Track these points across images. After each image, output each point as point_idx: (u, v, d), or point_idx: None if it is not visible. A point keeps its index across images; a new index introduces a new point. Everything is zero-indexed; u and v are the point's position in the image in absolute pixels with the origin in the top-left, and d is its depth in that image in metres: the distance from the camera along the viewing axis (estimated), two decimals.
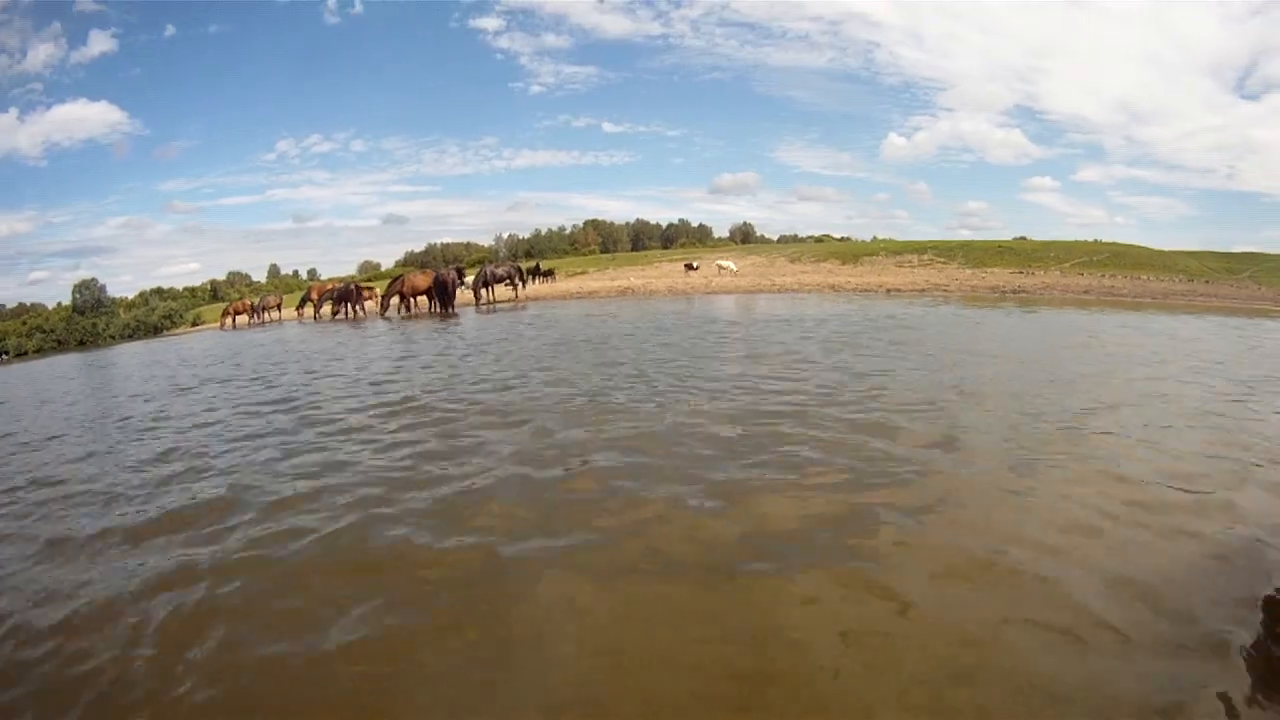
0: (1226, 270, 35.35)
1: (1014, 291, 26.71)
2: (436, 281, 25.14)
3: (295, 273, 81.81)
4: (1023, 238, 51.20)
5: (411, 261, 76.45)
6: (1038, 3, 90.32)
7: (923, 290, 28.11)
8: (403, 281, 26.95)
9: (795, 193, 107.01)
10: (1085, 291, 26.03)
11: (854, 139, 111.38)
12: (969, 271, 38.16)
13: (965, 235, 65.59)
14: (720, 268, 41.77)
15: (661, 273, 47.20)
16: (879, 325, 14.69)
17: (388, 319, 24.32)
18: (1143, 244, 42.65)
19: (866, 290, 29.38)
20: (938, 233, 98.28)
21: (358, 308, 28.74)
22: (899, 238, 62.53)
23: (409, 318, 25.32)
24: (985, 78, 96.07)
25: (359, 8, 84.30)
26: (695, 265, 44.07)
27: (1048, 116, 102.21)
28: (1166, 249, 41.15)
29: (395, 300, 26.78)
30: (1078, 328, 14.70)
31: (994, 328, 14.68)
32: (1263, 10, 75.95)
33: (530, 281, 39.16)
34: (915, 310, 18.93)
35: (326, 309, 29.66)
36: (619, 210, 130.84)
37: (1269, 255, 40.20)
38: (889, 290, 28.82)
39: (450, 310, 24.43)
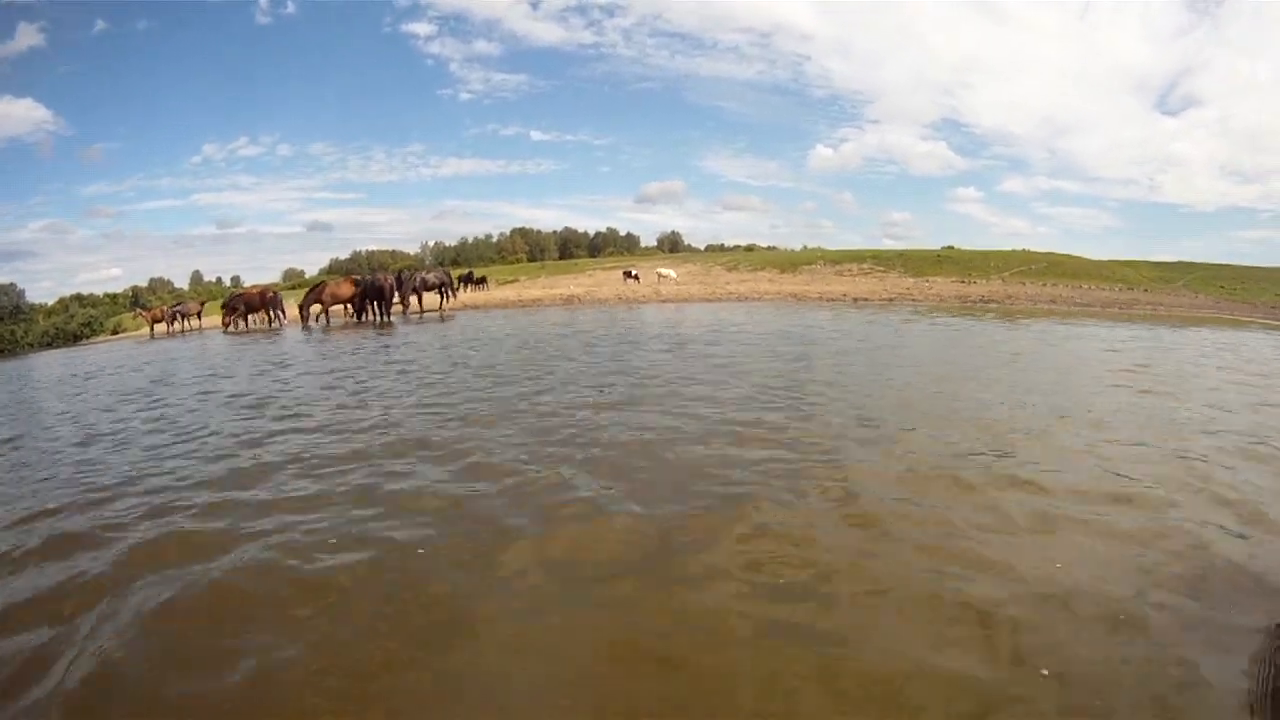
0: (1161, 279, 36.97)
1: (982, 301, 26.51)
2: (372, 287, 22.96)
3: (219, 279, 78.36)
4: (950, 247, 52.64)
5: (337, 269, 74.13)
6: (964, 19, 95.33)
7: (890, 300, 27.53)
8: (323, 289, 24.18)
9: (722, 202, 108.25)
10: (1052, 301, 26.15)
11: (781, 149, 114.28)
12: (911, 280, 38.27)
13: (889, 244, 67.31)
14: (661, 275, 40.62)
15: (597, 281, 45.51)
16: (980, 347, 13.14)
17: (308, 329, 21.60)
18: (1068, 253, 44.38)
19: (832, 299, 28.59)
20: (862, 242, 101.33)
21: (276, 315, 25.80)
22: (828, 246, 63.45)
23: (343, 326, 22.46)
24: (911, 91, 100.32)
25: (291, 8, 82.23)
26: (635, 273, 42.88)
27: (972, 129, 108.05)
28: (1100, 259, 43.07)
29: (316, 309, 24.05)
30: (1137, 344, 13.78)
31: (1092, 347, 13.53)
32: (1187, 31, 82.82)
33: (462, 289, 37.47)
34: (955, 322, 17.87)
35: (247, 317, 26.53)
36: (546, 219, 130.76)
37: (1199, 264, 42.75)
38: (855, 300, 28.13)
39: (388, 319, 22.27)
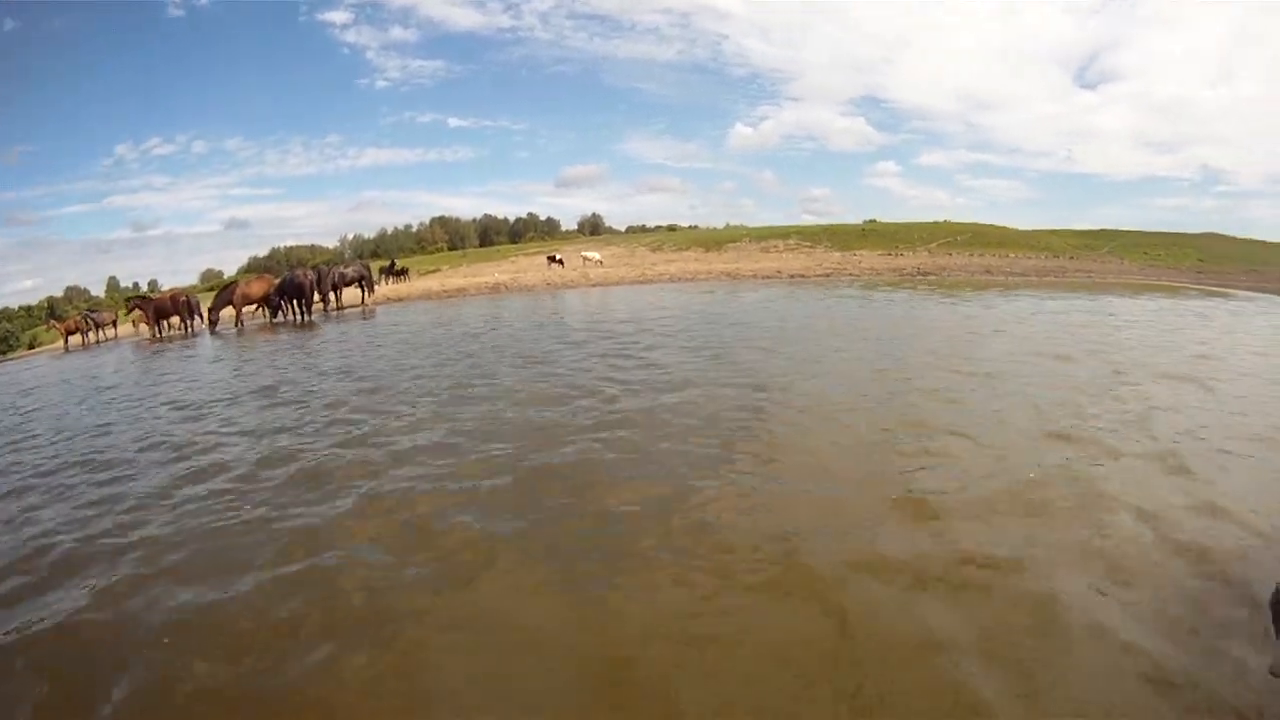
0: (1086, 247, 37.40)
1: (920, 274, 25.59)
2: (291, 284, 21.16)
3: (135, 285, 71.45)
4: (873, 220, 52.09)
5: (255, 267, 69.28)
6: None
7: (828, 275, 26.32)
8: (233, 290, 21.74)
9: (642, 184, 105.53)
10: (987, 271, 25.51)
11: (700, 130, 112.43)
12: (839, 254, 37.49)
13: (809, 220, 66.59)
14: (585, 258, 39.07)
15: (520, 267, 43.06)
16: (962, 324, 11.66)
17: (218, 334, 18.91)
18: (991, 223, 44.66)
19: (767, 277, 27.13)
20: (783, 219, 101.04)
21: (189, 322, 22.80)
22: (749, 224, 62.63)
23: (262, 329, 19.79)
24: (831, 68, 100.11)
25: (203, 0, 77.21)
26: (559, 258, 40.95)
27: (892, 105, 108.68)
28: (1024, 228, 43.49)
29: (228, 312, 21.59)
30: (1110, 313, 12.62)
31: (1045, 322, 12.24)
32: (1105, 6, 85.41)
33: (383, 281, 34.66)
34: (898, 297, 16.44)
35: (161, 324, 23.09)
36: (465, 207, 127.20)
37: (1121, 231, 43.69)
38: (792, 276, 26.76)
39: (308, 318, 20.47)
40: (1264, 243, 44.05)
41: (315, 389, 8.04)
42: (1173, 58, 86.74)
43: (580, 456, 4.82)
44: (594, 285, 28.87)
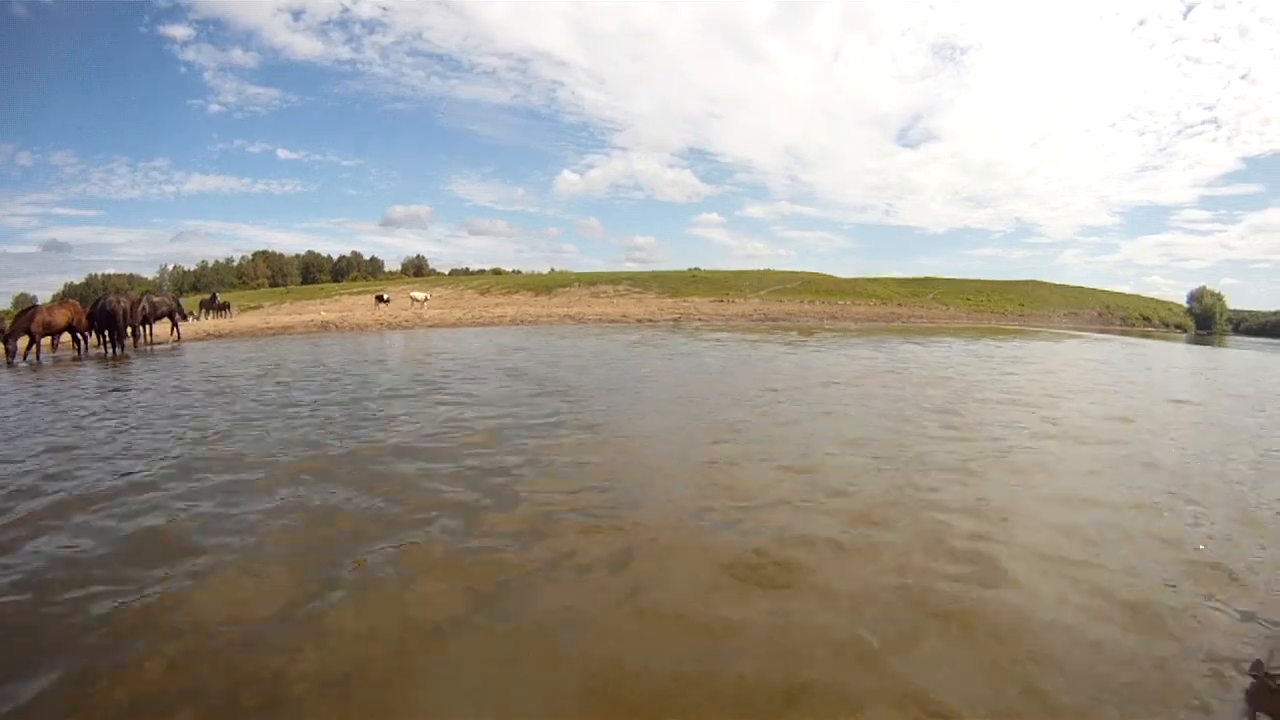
0: (911, 294, 39.17)
1: (771, 319, 24.77)
2: (103, 313, 18.51)
3: None
4: (696, 268, 52.67)
5: (71, 294, 62.45)
6: (718, 56, 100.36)
7: (676, 320, 24.80)
8: (33, 315, 18.11)
9: (467, 226, 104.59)
10: (833, 317, 25.24)
11: (529, 174, 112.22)
12: (670, 300, 36.51)
13: (632, 267, 67.64)
14: (414, 299, 36.64)
15: (345, 306, 39.09)
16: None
17: (13, 365, 15.73)
18: (814, 270, 46.37)
19: (613, 321, 25.17)
20: (605, 265, 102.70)
21: None
22: (573, 269, 62.07)
23: (66, 362, 15.80)
24: (662, 120, 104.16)
25: None
26: (386, 297, 37.70)
27: (718, 158, 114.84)
28: (849, 276, 45.25)
29: (24, 343, 17.84)
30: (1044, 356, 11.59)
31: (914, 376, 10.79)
32: (930, 74, 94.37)
33: (204, 315, 31.84)
34: (773, 350, 14.66)
35: None
36: (288, 243, 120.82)
37: (939, 279, 46.74)
38: (639, 320, 24.97)
39: (120, 350, 18.18)
40: (1079, 287, 49.57)
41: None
42: (991, 121, 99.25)
43: None
44: (430, 326, 25.68)
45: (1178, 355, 16.62)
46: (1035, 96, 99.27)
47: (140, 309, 20.90)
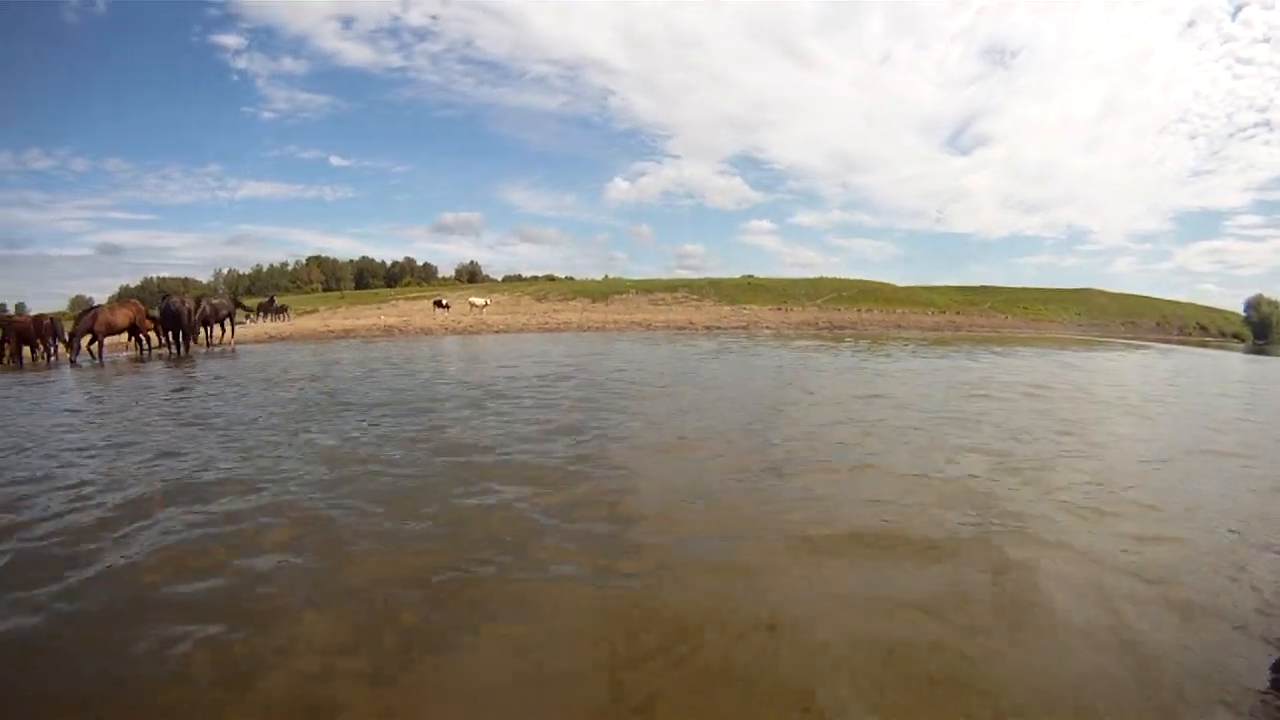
0: (968, 303, 39.14)
1: (837, 328, 25.14)
2: (168, 312, 19.08)
3: (3, 306, 63.53)
4: (750, 275, 52.90)
5: (128, 296, 65.53)
6: (768, 61, 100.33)
7: (745, 327, 25.31)
8: (96, 315, 18.64)
9: (518, 233, 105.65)
10: (898, 326, 25.52)
11: (579, 182, 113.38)
12: (728, 307, 37.07)
13: (683, 274, 68.16)
14: (473, 305, 37.34)
15: (403, 311, 40.12)
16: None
17: (78, 364, 16.21)
18: (867, 278, 46.46)
19: (681, 328, 25.73)
20: (656, 272, 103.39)
21: (51, 349, 19.12)
22: (625, 276, 62.12)
23: (131, 361, 16.72)
24: (712, 127, 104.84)
25: (101, 7, 74.06)
26: (445, 303, 38.52)
27: (770, 165, 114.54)
28: (904, 284, 45.35)
29: (86, 341, 18.38)
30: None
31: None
32: (980, 78, 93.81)
33: (261, 318, 32.92)
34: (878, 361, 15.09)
35: (21, 352, 19.24)
36: (341, 248, 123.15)
37: (1000, 288, 46.36)
38: (706, 327, 25.53)
39: (185, 351, 18.62)
40: (1136, 296, 48.58)
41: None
42: (1044, 126, 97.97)
43: None
44: (497, 331, 26.42)
45: (1273, 369, 16.51)
46: (1085, 100, 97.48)
47: (202, 311, 22.00)
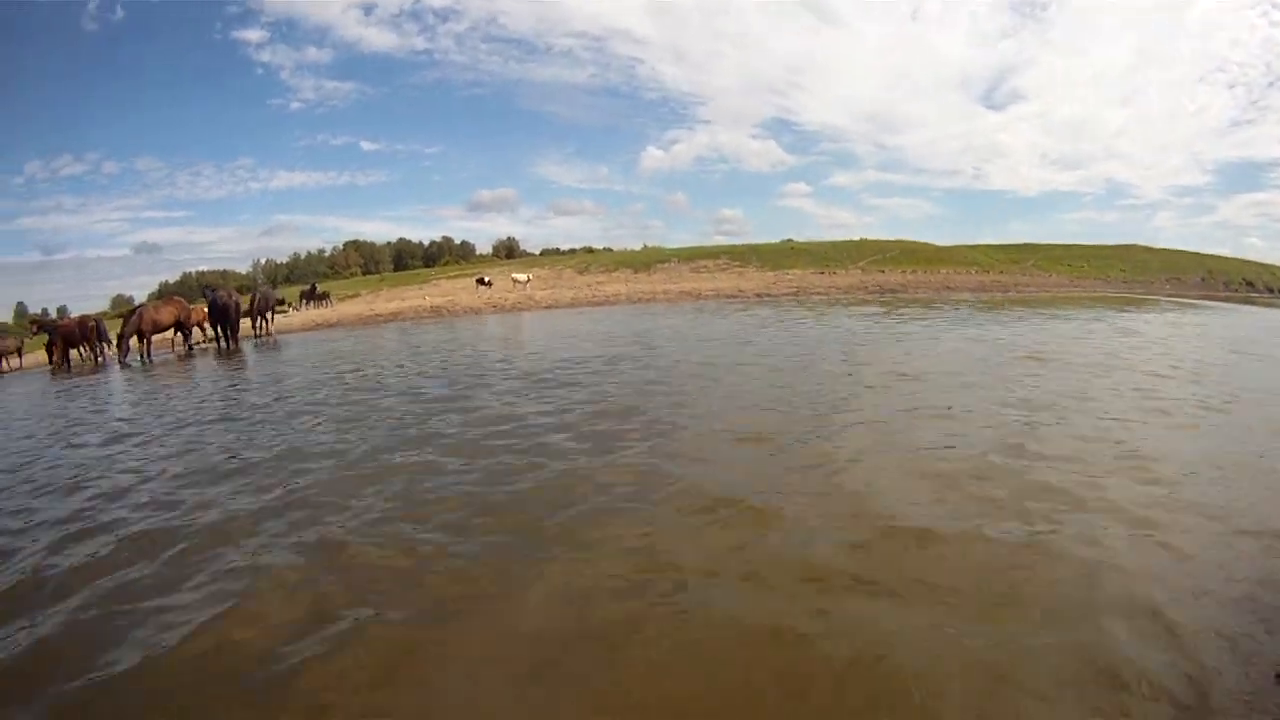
0: (1011, 261, 38.82)
1: (888, 291, 25.50)
2: (216, 307, 19.34)
3: (44, 310, 65.27)
4: (790, 240, 52.59)
5: (168, 293, 67.58)
6: (795, 21, 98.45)
7: (796, 292, 25.77)
8: (140, 316, 18.70)
9: (553, 207, 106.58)
10: (946, 287, 25.80)
11: (612, 152, 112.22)
12: (772, 273, 37.26)
13: (721, 240, 67.96)
14: (516, 280, 37.31)
15: (445, 290, 40.68)
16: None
17: (127, 364, 16.63)
18: (906, 238, 46.22)
19: (730, 297, 26.24)
20: (694, 239, 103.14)
21: (97, 351, 19.77)
22: (663, 245, 61.66)
23: (184, 358, 17.36)
24: (743, 91, 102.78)
25: (120, 13, 73.41)
26: (488, 280, 38.77)
27: (802, 127, 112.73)
28: (944, 244, 45.00)
29: (135, 341, 18.57)
30: None
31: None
32: (1012, 32, 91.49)
33: (303, 305, 33.27)
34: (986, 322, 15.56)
35: (68, 353, 20.22)
36: (377, 231, 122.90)
37: (1042, 245, 45.57)
38: (756, 295, 26.04)
39: (234, 344, 18.62)
40: (1180, 251, 47.44)
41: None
42: (1077, 80, 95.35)
43: None
44: (546, 307, 27.09)
45: None
46: (1119, 52, 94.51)
47: (257, 302, 22.13)
